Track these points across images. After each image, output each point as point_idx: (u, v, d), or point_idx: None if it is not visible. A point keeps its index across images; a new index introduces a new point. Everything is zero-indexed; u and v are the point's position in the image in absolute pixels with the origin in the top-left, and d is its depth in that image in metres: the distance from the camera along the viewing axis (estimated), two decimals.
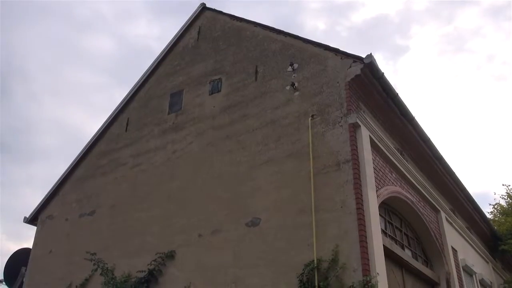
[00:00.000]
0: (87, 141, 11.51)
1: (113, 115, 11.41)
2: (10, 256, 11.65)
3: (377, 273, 6.58)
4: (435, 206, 10.38)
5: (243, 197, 8.23)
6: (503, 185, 27.66)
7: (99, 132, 11.42)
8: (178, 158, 9.59)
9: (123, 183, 10.18)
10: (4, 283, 11.42)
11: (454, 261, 10.24)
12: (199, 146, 9.42)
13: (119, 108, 11.41)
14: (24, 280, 10.67)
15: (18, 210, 48.76)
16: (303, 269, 6.91)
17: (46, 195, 11.35)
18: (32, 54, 43.55)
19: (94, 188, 10.65)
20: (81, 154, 11.40)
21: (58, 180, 11.36)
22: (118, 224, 9.65)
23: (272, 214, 7.75)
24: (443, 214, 10.59)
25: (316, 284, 6.69)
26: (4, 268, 11.60)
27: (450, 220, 11.08)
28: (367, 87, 8.45)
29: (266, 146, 8.45)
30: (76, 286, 9.24)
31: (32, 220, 11.43)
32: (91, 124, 54.29)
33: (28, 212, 11.51)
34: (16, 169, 46.01)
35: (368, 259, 6.69)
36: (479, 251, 13.17)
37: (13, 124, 42.93)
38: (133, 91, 11.43)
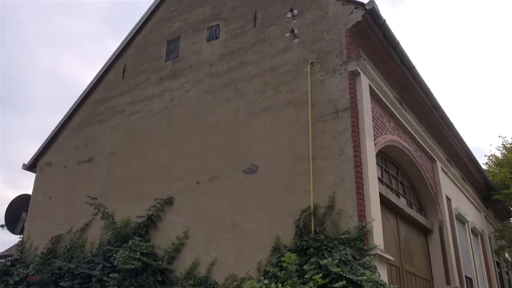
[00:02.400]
0: (83, 90, 11.40)
1: (109, 62, 11.23)
2: (10, 202, 11.81)
3: (373, 219, 6.70)
4: (432, 156, 10.46)
5: (241, 144, 8.25)
6: (499, 136, 27.97)
7: (96, 80, 11.28)
8: (176, 106, 9.54)
9: (120, 131, 10.17)
10: (5, 228, 11.64)
11: (448, 210, 10.44)
12: (197, 94, 9.35)
13: (116, 54, 11.21)
14: (25, 225, 10.86)
15: (15, 160, 48.99)
16: (299, 215, 7.03)
17: (44, 142, 11.36)
18: (24, 2, 42.38)
19: (91, 136, 10.65)
20: (78, 102, 11.32)
21: (56, 127, 11.34)
22: (116, 171, 9.72)
23: (270, 162, 7.80)
24: (439, 164, 10.69)
25: (312, 229, 6.83)
26: (5, 213, 11.79)
27: (446, 170, 11.20)
28: (368, 34, 8.29)
29: (265, 94, 8.39)
30: (77, 231, 9.41)
31: (31, 167, 11.49)
32: (85, 74, 53.64)
33: (26, 160, 11.59)
34: (11, 119, 45.84)
35: (364, 206, 6.80)
36: (472, 200, 13.41)
37: (7, 74, 42.41)
38: (129, 37, 11.20)
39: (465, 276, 10.50)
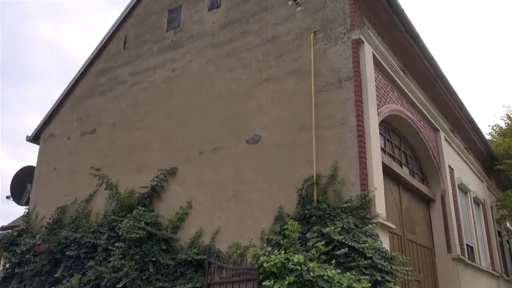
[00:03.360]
0: (84, 61, 11.33)
1: (110, 33, 11.12)
2: (15, 174, 11.90)
3: (375, 188, 6.73)
4: (435, 126, 10.42)
5: (243, 115, 8.22)
6: (503, 106, 27.72)
7: (97, 51, 11.19)
8: (178, 76, 9.48)
9: (122, 102, 10.14)
10: (11, 199, 11.76)
11: (450, 179, 10.46)
12: (199, 64, 9.27)
13: (116, 25, 11.09)
14: (30, 196, 10.97)
15: (18, 132, 49.17)
16: (302, 184, 7.06)
17: (47, 114, 11.37)
18: None
19: (94, 107, 10.63)
20: (79, 73, 11.26)
21: (58, 99, 11.33)
22: (119, 142, 9.75)
23: (272, 132, 7.79)
24: (442, 134, 10.66)
25: (315, 198, 6.87)
26: (10, 185, 11.89)
27: (449, 140, 11.17)
28: (372, 2, 8.16)
29: (267, 63, 8.31)
30: (81, 201, 9.51)
31: (34, 139, 11.52)
32: (86, 45, 53.23)
33: (29, 132, 11.63)
34: (13, 91, 45.77)
35: (366, 175, 6.82)
36: (475, 170, 13.43)
37: (8, 46, 42.09)
38: (130, 7, 11.05)
39: (466, 245, 10.61)
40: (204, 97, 8.88)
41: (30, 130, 12.04)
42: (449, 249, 9.57)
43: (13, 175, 12.10)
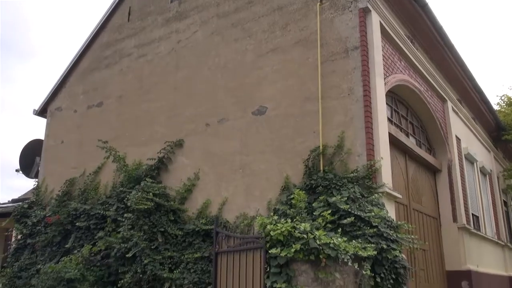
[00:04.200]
0: (89, 34, 11.26)
1: (114, 4, 11.01)
2: (24, 147, 12.01)
3: (381, 158, 6.74)
4: (442, 96, 10.34)
5: (249, 86, 8.20)
6: None
7: (101, 23, 11.10)
8: (183, 47, 9.42)
9: (128, 74, 10.12)
10: (20, 172, 11.90)
11: (457, 149, 10.44)
12: (204, 35, 9.19)
13: None
14: (39, 169, 11.09)
15: (25, 105, 49.37)
16: (308, 155, 7.09)
17: (53, 87, 11.38)
18: None
19: (100, 80, 10.63)
20: (84, 46, 11.21)
21: (64, 72, 11.31)
22: (126, 115, 9.77)
23: (279, 103, 7.77)
24: (449, 104, 10.58)
25: (321, 168, 6.90)
26: (19, 158, 12.02)
27: (456, 110, 11.10)
28: None
29: (273, 33, 8.22)
30: (90, 174, 9.61)
31: (41, 112, 11.57)
32: (90, 17, 52.79)
33: (36, 106, 11.67)
34: (18, 65, 45.74)
35: (372, 145, 6.82)
36: (482, 140, 13.37)
37: (10, 19, 41.85)
38: None
39: (472, 214, 10.67)
40: (209, 69, 8.84)
41: (39, 102, 12.06)
42: (454, 219, 9.64)
43: (21, 148, 12.21)
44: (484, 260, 10.60)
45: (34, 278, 8.29)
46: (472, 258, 9.71)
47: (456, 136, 10.54)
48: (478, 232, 10.65)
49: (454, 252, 9.47)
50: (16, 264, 9.34)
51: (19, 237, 9.89)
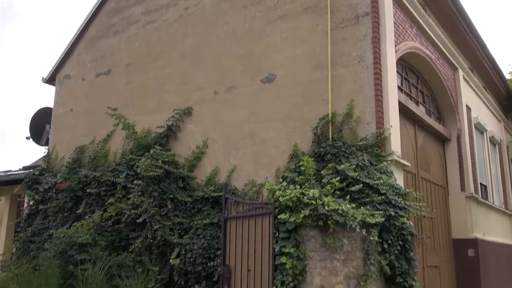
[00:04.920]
0: (95, 1, 11.12)
1: None
2: (33, 115, 12.11)
3: (391, 126, 6.71)
4: (454, 64, 10.19)
5: (258, 53, 8.13)
6: None
7: None
8: (191, 14, 9.30)
9: (136, 42, 10.06)
10: (31, 139, 12.02)
11: (467, 119, 10.37)
12: (212, 2, 9.06)
13: None
14: (49, 137, 11.18)
15: (34, 73, 49.45)
16: (317, 123, 7.08)
17: (61, 55, 11.35)
18: None
19: (107, 48, 10.57)
20: (91, 13, 11.11)
21: (72, 39, 11.26)
22: (134, 83, 9.76)
23: (288, 70, 7.72)
24: (460, 72, 10.45)
25: (330, 136, 6.90)
26: (29, 126, 12.12)
27: (467, 79, 10.96)
28: None
29: (282, 0, 8.09)
30: (99, 141, 9.68)
31: (50, 80, 11.58)
32: None
33: (45, 74, 11.67)
34: (24, 33, 45.58)
35: (382, 113, 6.79)
36: (492, 110, 13.24)
37: None
38: None
39: (480, 184, 10.67)
40: (218, 36, 8.75)
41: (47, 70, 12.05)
42: (462, 188, 9.65)
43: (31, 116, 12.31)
44: (491, 229, 10.66)
45: (47, 243, 8.47)
46: (479, 226, 9.77)
47: (466, 105, 10.44)
48: (486, 201, 10.67)
49: (461, 220, 9.52)
50: (29, 229, 9.54)
51: (31, 203, 10.07)
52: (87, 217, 8.55)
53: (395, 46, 7.49)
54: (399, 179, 6.73)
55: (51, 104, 11.44)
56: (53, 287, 7.13)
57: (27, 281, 7.88)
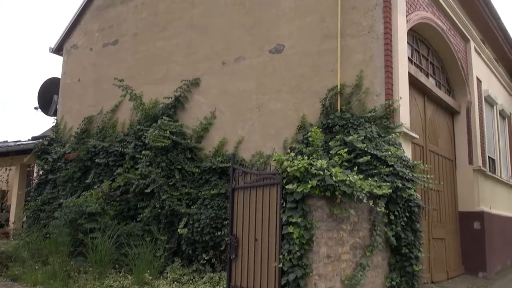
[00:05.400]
0: None
1: None
2: (41, 85, 12.11)
3: (400, 98, 6.65)
4: (465, 35, 10.01)
5: (266, 23, 8.01)
6: None
7: None
8: None
9: (143, 11, 9.93)
10: (39, 110, 12.06)
11: (477, 91, 10.24)
12: None
13: None
14: (57, 107, 11.21)
15: (42, 43, 49.23)
16: (326, 94, 7.03)
17: (68, 24, 11.26)
18: None
19: (115, 17, 10.46)
20: None
21: (78, 9, 11.14)
22: (142, 53, 9.69)
23: (296, 41, 7.62)
24: (472, 44, 10.26)
25: (339, 108, 6.86)
26: (37, 96, 12.13)
27: (479, 51, 10.77)
28: None
29: None
30: (107, 112, 9.69)
31: (57, 50, 11.53)
32: None
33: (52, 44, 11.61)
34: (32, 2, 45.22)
35: (391, 84, 6.72)
36: (503, 82, 13.06)
37: None
38: None
39: (488, 157, 10.62)
40: (226, 5, 8.62)
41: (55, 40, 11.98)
42: (470, 161, 9.61)
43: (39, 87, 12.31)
44: (497, 202, 10.66)
45: (56, 211, 8.60)
46: (486, 200, 9.77)
47: (477, 78, 10.30)
48: (493, 175, 10.64)
49: (468, 193, 9.52)
50: (39, 198, 9.67)
51: (40, 172, 10.18)
52: (96, 187, 8.63)
53: (407, 16, 7.35)
54: (407, 151, 6.70)
55: (59, 75, 11.42)
56: (64, 255, 7.26)
57: (38, 249, 8.04)
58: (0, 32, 46.37)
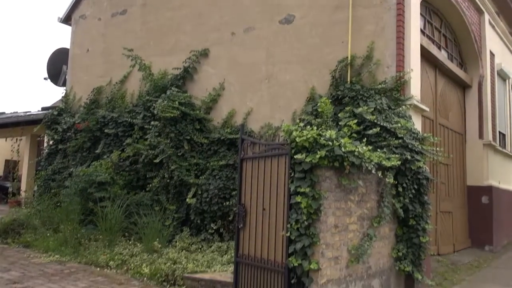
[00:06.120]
0: None
1: None
2: (50, 56, 12.09)
3: (411, 70, 6.56)
4: (480, 7, 9.79)
5: None
6: None
7: None
8: None
9: None
10: (49, 80, 12.07)
11: (490, 65, 10.08)
12: None
13: None
14: (66, 77, 11.21)
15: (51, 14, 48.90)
16: (336, 66, 6.95)
17: None
18: None
19: None
20: None
21: None
22: (150, 23, 9.61)
23: (307, 11, 7.51)
24: (486, 16, 10.05)
25: (349, 79, 6.79)
26: (46, 67, 12.13)
27: (493, 23, 10.56)
28: None
29: None
30: (116, 83, 9.68)
31: (66, 20, 11.46)
32: None
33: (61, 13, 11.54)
34: None
35: (403, 56, 6.63)
36: None
37: None
38: None
39: (499, 132, 10.53)
40: None
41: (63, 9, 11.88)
42: (480, 135, 9.55)
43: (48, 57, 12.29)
44: (506, 177, 10.62)
45: (67, 181, 8.69)
46: (494, 174, 9.73)
47: (490, 51, 10.13)
48: (503, 150, 10.57)
49: (477, 168, 9.49)
50: (50, 168, 9.79)
51: (50, 142, 10.26)
52: (105, 156, 8.70)
53: None
54: (417, 124, 6.66)
55: (68, 45, 11.39)
56: (74, 223, 7.38)
57: (49, 217, 8.18)
58: (9, 2, 46.13)
